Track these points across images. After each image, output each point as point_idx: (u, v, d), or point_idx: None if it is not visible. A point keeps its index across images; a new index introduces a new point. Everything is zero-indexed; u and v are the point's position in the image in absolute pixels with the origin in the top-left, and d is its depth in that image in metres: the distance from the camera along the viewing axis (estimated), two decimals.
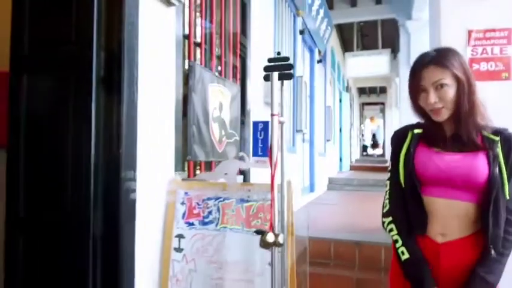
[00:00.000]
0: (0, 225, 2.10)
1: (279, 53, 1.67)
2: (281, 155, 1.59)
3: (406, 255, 1.38)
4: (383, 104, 18.04)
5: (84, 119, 1.80)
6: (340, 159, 10.15)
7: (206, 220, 2.04)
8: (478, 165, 1.33)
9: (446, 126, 1.42)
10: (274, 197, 1.54)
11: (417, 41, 7.31)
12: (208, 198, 2.06)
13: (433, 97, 1.35)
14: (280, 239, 1.46)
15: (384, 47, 9.97)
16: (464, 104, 1.34)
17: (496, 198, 1.30)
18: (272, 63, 1.59)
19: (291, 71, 1.61)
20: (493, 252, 1.29)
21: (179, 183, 2.14)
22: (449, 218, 1.36)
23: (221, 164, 2.35)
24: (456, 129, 1.39)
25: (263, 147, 1.93)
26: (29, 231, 1.94)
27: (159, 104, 2.11)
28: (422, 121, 1.48)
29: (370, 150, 20.89)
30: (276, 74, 1.56)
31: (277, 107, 1.63)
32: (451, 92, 1.34)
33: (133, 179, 1.87)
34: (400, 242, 1.42)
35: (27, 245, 1.94)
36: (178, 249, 2.05)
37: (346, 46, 10.22)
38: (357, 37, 9.11)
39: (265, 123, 1.90)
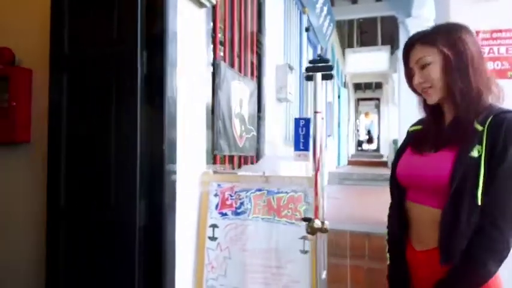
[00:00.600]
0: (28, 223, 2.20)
1: (319, 56, 1.79)
2: (322, 150, 1.71)
3: (388, 261, 1.37)
4: (378, 99, 18.27)
5: (130, 116, 1.91)
6: (338, 154, 10.32)
7: (239, 211, 2.17)
8: (437, 166, 1.17)
9: (447, 113, 1.27)
10: (318, 188, 1.67)
11: None
12: (240, 190, 2.19)
13: (417, 77, 1.24)
14: (327, 225, 1.59)
15: (383, 43, 10.14)
16: (456, 82, 1.17)
17: (456, 204, 1.12)
18: (314, 65, 1.70)
19: (332, 72, 1.73)
20: (452, 267, 1.12)
21: (212, 175, 2.26)
22: (423, 225, 1.24)
23: (264, 159, 2.47)
24: (456, 114, 1.21)
25: (304, 142, 2.05)
26: (71, 222, 2.05)
27: (193, 101, 2.23)
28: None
29: (365, 145, 21.15)
30: (319, 75, 1.68)
31: (320, 105, 1.75)
32: (435, 69, 1.20)
33: (175, 172, 1.98)
34: (387, 247, 1.39)
35: (68, 235, 2.05)
36: (213, 238, 2.18)
37: (345, 43, 10.36)
38: (356, 34, 9.26)
39: (307, 120, 2.02)
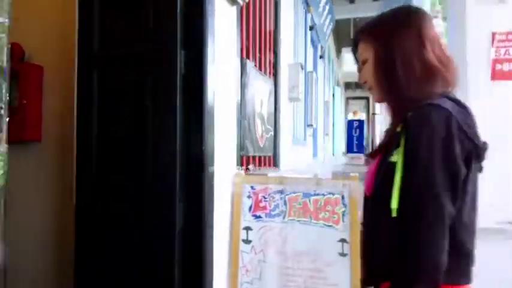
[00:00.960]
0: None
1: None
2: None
3: None
4: (368, 98, 18.46)
5: (168, 117, 1.85)
6: (333, 154, 10.38)
7: (273, 213, 2.13)
8: (367, 175, 1.09)
9: None
10: None
11: None
12: (274, 192, 2.15)
13: (359, 76, 1.17)
14: None
15: None
16: (381, 80, 1.07)
17: (374, 217, 1.04)
18: None
19: None
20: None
21: (244, 177, 2.22)
22: None
23: (312, 163, 2.43)
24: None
25: (358, 144, 2.03)
26: (103, 226, 1.97)
27: (225, 99, 2.17)
28: None
29: None
30: None
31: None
32: (368, 67, 1.11)
33: (213, 174, 1.93)
34: None
35: (99, 238, 1.98)
36: (247, 241, 2.13)
37: (340, 42, 10.41)
38: (353, 33, 9.29)
39: (361, 122, 2.00)
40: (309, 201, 2.10)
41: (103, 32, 2.02)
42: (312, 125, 5.46)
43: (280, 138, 3.51)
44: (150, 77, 1.90)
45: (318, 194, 2.08)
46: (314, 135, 6.46)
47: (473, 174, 0.95)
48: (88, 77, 2.00)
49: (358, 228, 2.01)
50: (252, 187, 2.18)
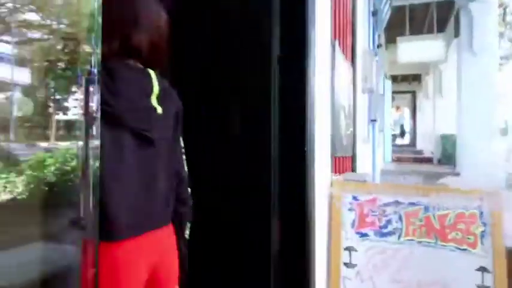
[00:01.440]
0: None
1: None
2: None
3: None
4: (414, 92, 17.45)
5: (259, 109, 1.45)
6: (384, 150, 9.71)
7: (384, 231, 1.69)
8: None
9: None
10: None
11: (481, 24, 6.81)
12: (385, 204, 1.70)
13: None
14: None
15: (430, 31, 9.43)
16: None
17: None
18: None
19: None
20: None
21: (344, 184, 1.78)
22: None
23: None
24: None
25: None
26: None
27: (320, 88, 1.75)
28: None
29: (398, 140, 20.40)
30: None
31: None
32: None
33: (314, 181, 1.52)
34: None
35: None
36: (350, 265, 1.71)
37: (392, 30, 9.71)
38: (407, 21, 8.62)
39: None
40: (433, 216, 1.64)
41: (178, 12, 1.65)
42: (375, 120, 4.95)
43: (357, 136, 3.05)
44: (240, 61, 1.51)
45: (445, 208, 1.62)
46: (373, 132, 5.93)
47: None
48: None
49: (504, 253, 1.54)
50: (354, 197, 1.75)
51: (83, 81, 1.40)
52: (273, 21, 1.45)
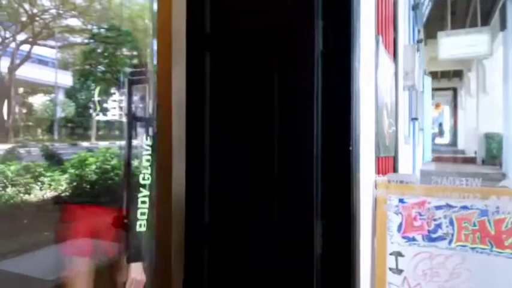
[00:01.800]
0: None
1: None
2: None
3: None
4: (454, 89, 16.74)
5: (302, 107, 1.40)
6: (423, 149, 9.35)
7: (434, 235, 1.60)
8: None
9: None
10: None
11: None
12: (435, 207, 1.61)
13: None
14: None
15: (473, 24, 8.98)
16: None
17: None
18: None
19: None
20: None
21: (389, 186, 1.70)
22: None
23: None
24: None
25: None
26: (218, 245, 1.59)
27: (364, 85, 1.68)
28: None
29: (437, 139, 19.66)
30: None
31: None
32: None
33: (360, 184, 1.45)
34: None
35: (213, 261, 1.60)
36: (396, 271, 1.63)
37: (432, 25, 9.33)
38: (449, 15, 8.24)
39: None
40: (489, 221, 1.52)
41: (215, 7, 1.63)
42: (416, 119, 4.76)
43: (398, 135, 2.93)
44: (277, 59, 1.47)
45: (502, 213, 1.51)
46: (413, 131, 5.71)
47: None
48: (199, 60, 1.62)
49: None
50: (401, 200, 1.66)
51: (126, 84, 1.40)
52: (315, 14, 1.40)
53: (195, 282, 1.61)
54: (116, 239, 1.27)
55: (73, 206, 1.43)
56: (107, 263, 1.29)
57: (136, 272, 1.18)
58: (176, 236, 1.68)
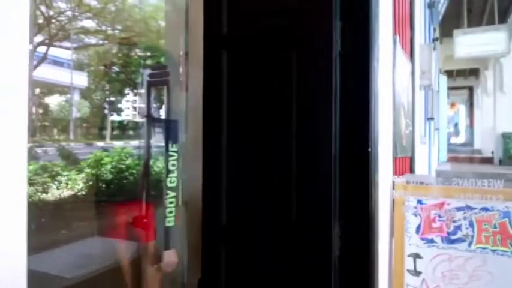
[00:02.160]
0: None
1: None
2: None
3: None
4: (470, 88, 16.47)
5: (320, 107, 1.40)
6: (438, 149, 9.22)
7: (453, 237, 1.58)
8: None
9: None
10: None
11: None
12: (455, 209, 1.59)
13: None
14: None
15: (490, 22, 8.81)
16: None
17: None
18: None
19: None
20: None
21: (408, 187, 1.69)
22: None
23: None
24: None
25: None
26: (234, 247, 1.60)
27: (382, 85, 1.66)
28: None
29: (452, 139, 19.36)
30: None
31: None
32: None
33: (378, 185, 1.44)
34: None
35: (230, 262, 1.61)
36: (414, 272, 1.61)
37: (448, 23, 9.19)
38: (466, 12, 8.10)
39: None
40: (510, 223, 1.50)
41: (232, 8, 1.64)
42: (432, 118, 4.70)
43: (415, 135, 2.89)
44: (294, 59, 1.47)
45: None
46: (429, 131, 5.64)
47: None
48: (216, 61, 1.64)
49: None
50: (419, 201, 1.64)
51: (145, 85, 1.42)
52: (333, 15, 1.40)
53: (212, 282, 1.62)
54: (151, 231, 1.41)
55: (119, 203, 1.66)
56: (146, 250, 1.44)
57: (169, 255, 1.39)
58: (192, 237, 1.69)
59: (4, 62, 0.44)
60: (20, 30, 0.46)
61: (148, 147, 1.41)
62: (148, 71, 1.79)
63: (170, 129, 1.39)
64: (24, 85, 0.46)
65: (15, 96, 0.45)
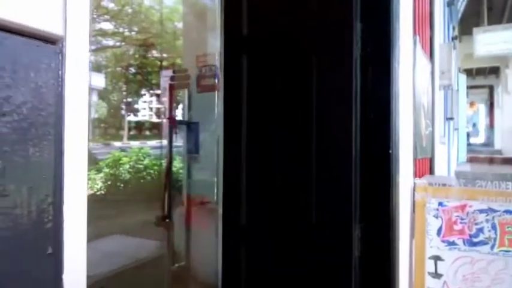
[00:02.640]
0: None
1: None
2: None
3: None
4: (490, 87, 16.11)
5: (340, 109, 1.40)
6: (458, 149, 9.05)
7: (475, 240, 1.56)
8: None
9: None
10: None
11: None
12: (477, 211, 1.57)
13: None
14: None
15: (510, 20, 8.60)
16: None
17: None
18: None
19: None
20: None
21: (429, 189, 1.67)
22: None
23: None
24: None
25: None
26: (254, 246, 1.62)
27: (403, 86, 1.65)
28: None
29: (471, 139, 18.98)
30: None
31: None
32: None
33: (399, 187, 1.44)
34: None
35: (250, 261, 1.62)
36: (435, 275, 1.60)
37: (467, 21, 9.02)
38: (487, 10, 7.95)
39: None
40: None
41: (252, 11, 1.65)
42: (452, 118, 4.62)
43: (435, 136, 2.86)
44: (314, 61, 1.48)
45: None
46: (449, 131, 5.54)
47: None
48: (236, 63, 1.65)
49: None
50: (440, 203, 1.63)
51: (167, 87, 1.44)
52: (354, 17, 1.40)
53: (233, 282, 1.64)
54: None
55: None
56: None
57: None
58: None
59: (73, 69, 0.47)
60: (81, 39, 0.49)
61: (171, 148, 1.44)
62: (168, 73, 1.83)
63: (191, 130, 1.41)
64: (85, 91, 0.49)
65: (79, 102, 0.49)
